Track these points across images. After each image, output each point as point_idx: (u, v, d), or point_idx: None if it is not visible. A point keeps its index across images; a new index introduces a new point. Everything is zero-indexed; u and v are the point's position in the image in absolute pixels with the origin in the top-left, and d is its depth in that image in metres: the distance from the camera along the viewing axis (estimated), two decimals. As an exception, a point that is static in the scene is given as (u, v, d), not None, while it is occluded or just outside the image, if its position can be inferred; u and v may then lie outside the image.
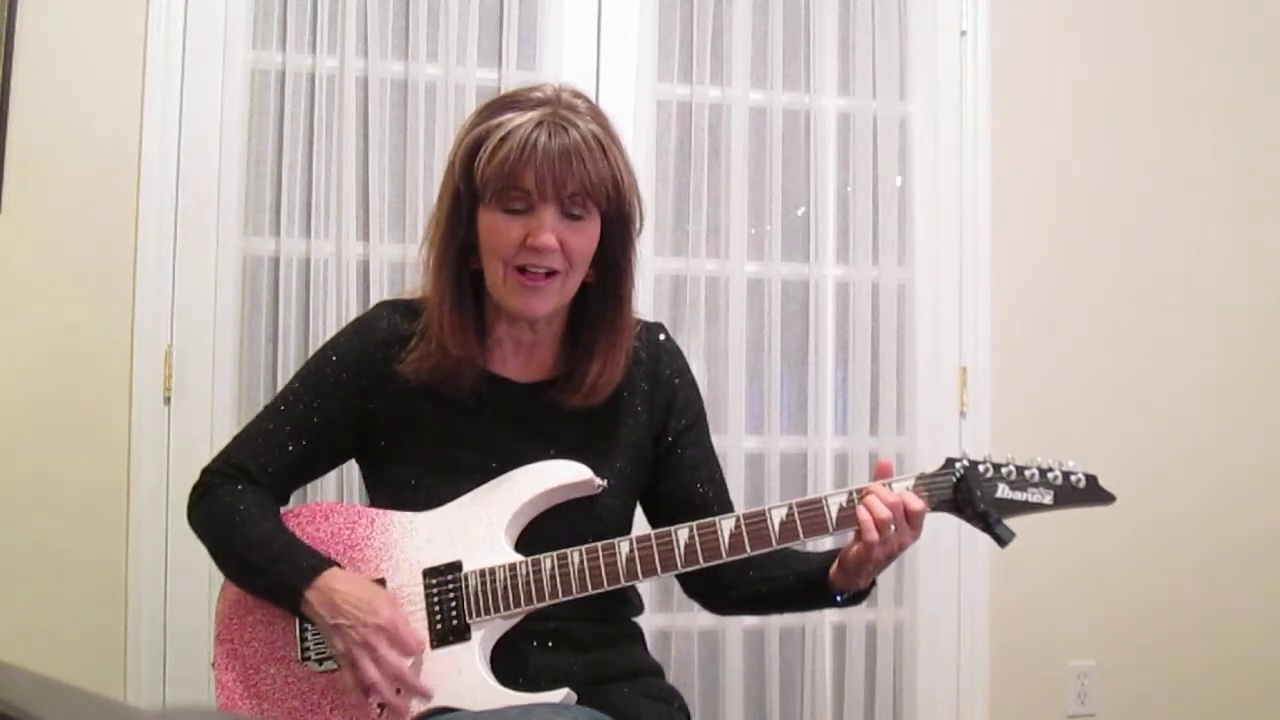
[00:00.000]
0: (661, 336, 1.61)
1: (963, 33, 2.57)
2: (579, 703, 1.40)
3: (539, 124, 1.40)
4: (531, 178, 1.40)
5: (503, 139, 1.40)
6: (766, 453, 2.42)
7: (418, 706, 1.40)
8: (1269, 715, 2.66)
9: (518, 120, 1.40)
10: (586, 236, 1.45)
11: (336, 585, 1.39)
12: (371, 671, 1.36)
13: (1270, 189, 2.74)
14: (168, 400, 2.19)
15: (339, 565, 1.44)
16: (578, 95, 1.47)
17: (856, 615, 2.44)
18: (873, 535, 1.38)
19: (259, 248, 2.26)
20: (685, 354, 1.64)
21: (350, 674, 1.38)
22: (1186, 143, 2.70)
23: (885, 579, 2.44)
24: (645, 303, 2.32)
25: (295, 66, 2.26)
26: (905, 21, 2.52)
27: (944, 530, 2.46)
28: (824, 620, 2.43)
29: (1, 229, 2.14)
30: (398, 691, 1.38)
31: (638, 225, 1.51)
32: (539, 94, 1.45)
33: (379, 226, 2.26)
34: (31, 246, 2.16)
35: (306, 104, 2.26)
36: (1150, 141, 2.68)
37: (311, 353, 1.61)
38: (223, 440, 1.59)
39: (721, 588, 1.57)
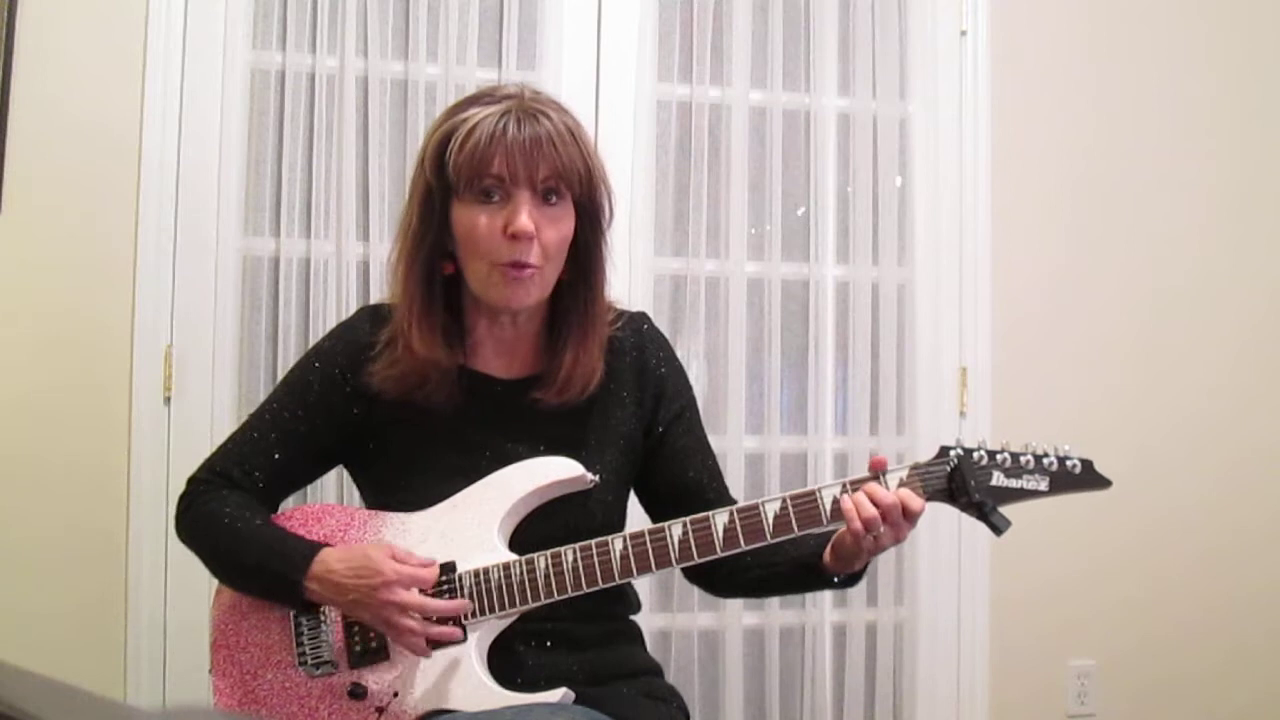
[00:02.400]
0: (645, 326, 1.61)
1: (963, 33, 2.57)
2: (577, 702, 1.40)
3: (506, 113, 1.43)
4: (503, 162, 1.41)
5: (471, 129, 1.41)
6: (766, 453, 2.42)
7: (415, 709, 1.40)
8: (1269, 715, 2.66)
9: (485, 112, 1.43)
10: (562, 227, 1.46)
11: (332, 565, 1.40)
12: (407, 622, 1.37)
13: (1270, 189, 2.74)
14: (168, 400, 2.19)
15: (328, 545, 1.44)
16: (540, 93, 1.49)
17: (856, 615, 2.44)
18: (858, 527, 1.38)
19: (259, 248, 2.26)
20: (685, 354, 1.64)
21: (395, 638, 1.39)
22: (1187, 143, 2.69)
23: (885, 579, 2.45)
24: (645, 303, 2.31)
25: (295, 66, 2.26)
26: (905, 21, 2.51)
27: (944, 529, 2.47)
28: (824, 620, 2.43)
29: (1, 229, 2.14)
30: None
31: (608, 217, 1.52)
32: (504, 91, 1.48)
33: (379, 226, 2.26)
34: (31, 246, 2.16)
35: (306, 104, 2.26)
36: (1150, 141, 2.68)
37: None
38: (222, 440, 1.59)
39: (721, 574, 1.57)
